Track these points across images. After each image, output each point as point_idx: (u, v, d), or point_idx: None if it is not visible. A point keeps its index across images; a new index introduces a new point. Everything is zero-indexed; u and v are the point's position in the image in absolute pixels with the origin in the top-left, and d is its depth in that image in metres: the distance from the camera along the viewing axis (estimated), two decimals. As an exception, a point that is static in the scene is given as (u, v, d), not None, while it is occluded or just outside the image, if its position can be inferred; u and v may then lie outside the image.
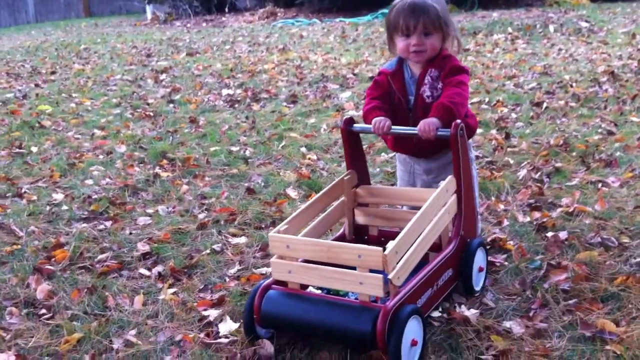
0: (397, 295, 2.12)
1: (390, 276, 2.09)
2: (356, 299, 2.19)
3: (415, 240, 2.24)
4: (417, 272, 2.27)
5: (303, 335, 2.28)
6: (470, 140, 2.74)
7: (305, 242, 2.23)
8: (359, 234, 2.76)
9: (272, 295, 2.26)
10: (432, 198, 2.36)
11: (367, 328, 2.05)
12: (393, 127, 2.52)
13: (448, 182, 2.46)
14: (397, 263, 2.12)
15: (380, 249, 2.08)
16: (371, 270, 2.10)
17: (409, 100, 2.64)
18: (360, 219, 2.75)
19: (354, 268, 2.13)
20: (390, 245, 2.12)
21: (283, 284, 2.29)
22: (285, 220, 2.39)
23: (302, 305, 2.21)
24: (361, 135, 2.75)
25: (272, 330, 2.30)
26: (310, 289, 2.35)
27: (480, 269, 2.58)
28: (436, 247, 2.49)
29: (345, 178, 2.68)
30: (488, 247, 2.94)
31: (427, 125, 2.43)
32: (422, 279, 2.26)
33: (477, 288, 2.56)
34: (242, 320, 2.36)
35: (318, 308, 2.17)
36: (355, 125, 2.65)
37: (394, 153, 3.04)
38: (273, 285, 2.30)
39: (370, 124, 2.56)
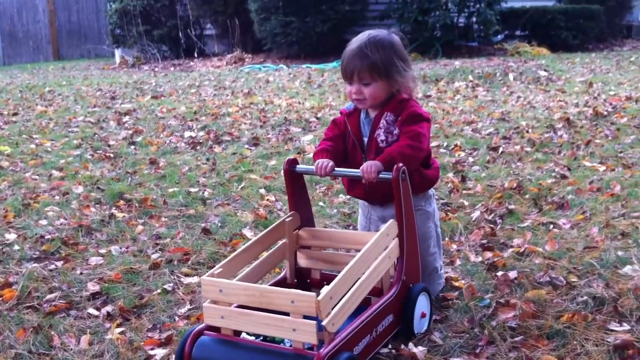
0: (332, 342, 2.07)
1: (324, 323, 2.04)
2: (291, 346, 2.14)
3: (352, 285, 2.20)
4: (356, 318, 2.23)
5: None
6: (432, 191, 2.77)
7: (237, 287, 2.18)
8: (301, 277, 2.72)
9: (203, 342, 2.20)
10: (371, 242, 2.33)
11: None
12: (337, 168, 2.51)
13: (389, 226, 2.44)
14: (333, 308, 2.08)
15: (314, 294, 2.04)
16: (308, 317, 2.05)
17: (363, 142, 2.61)
18: (302, 261, 2.70)
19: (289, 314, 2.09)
20: (325, 290, 2.08)
21: (216, 329, 2.24)
22: (221, 263, 2.35)
23: (234, 353, 2.15)
24: (315, 177, 2.77)
25: None
26: (245, 335, 2.30)
27: (423, 315, 2.54)
28: (378, 292, 2.46)
29: (287, 220, 2.64)
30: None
31: (369, 166, 2.41)
32: (360, 325, 2.21)
33: (418, 332, 2.52)
34: None
35: (249, 355, 2.11)
36: (298, 166, 2.64)
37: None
38: (205, 331, 2.23)
39: None
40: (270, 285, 2.60)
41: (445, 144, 5.66)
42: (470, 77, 9.37)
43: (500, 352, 2.38)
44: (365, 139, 2.61)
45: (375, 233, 2.45)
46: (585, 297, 2.74)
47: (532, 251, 3.27)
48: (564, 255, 3.22)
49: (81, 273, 3.32)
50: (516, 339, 2.45)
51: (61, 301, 3.00)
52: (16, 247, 3.68)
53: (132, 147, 6.18)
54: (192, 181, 4.91)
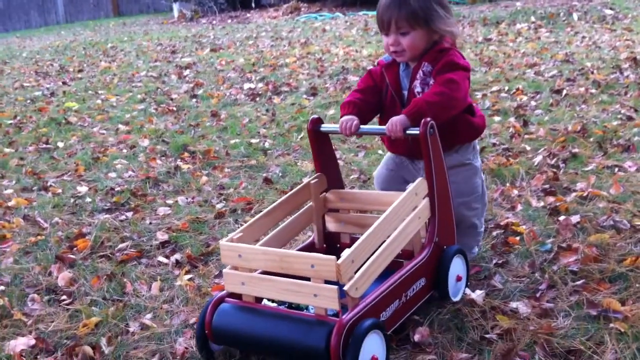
0: (356, 308, 1.96)
1: (346, 287, 1.93)
2: (314, 312, 2.04)
3: (377, 248, 2.08)
4: (384, 282, 2.11)
5: (256, 352, 2.15)
6: (477, 146, 2.62)
7: (257, 251, 2.07)
8: (331, 242, 2.59)
9: (224, 309, 2.11)
10: (397, 202, 2.19)
11: (321, 344, 1.89)
12: (362, 126, 2.37)
13: (417, 185, 2.28)
14: (356, 273, 1.97)
15: (333, 258, 1.92)
16: (332, 282, 1.94)
17: (402, 95, 2.46)
18: (331, 225, 2.58)
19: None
20: (345, 253, 1.95)
21: (238, 296, 2.14)
22: (241, 228, 2.24)
23: (255, 320, 2.06)
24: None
25: (224, 346, 2.16)
26: (266, 301, 2.20)
27: (459, 278, 2.39)
28: (410, 256, 2.34)
29: (312, 182, 2.50)
30: (501, 231, 2.96)
31: (394, 124, 2.25)
32: (388, 290, 2.09)
33: (455, 299, 2.39)
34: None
35: (271, 323, 2.02)
36: (323, 125, 2.48)
37: None
38: (227, 298, 2.14)
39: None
40: (298, 250, 2.49)
41: (506, 88, 5.56)
42: (533, 18, 9.09)
43: (561, 295, 2.39)
44: (405, 92, 2.45)
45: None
46: (650, 241, 2.70)
47: (596, 195, 3.22)
48: (628, 198, 3.16)
49: (150, 223, 3.45)
50: (577, 282, 2.44)
51: (132, 250, 3.14)
52: (88, 199, 3.84)
53: (194, 100, 6.30)
54: (253, 132, 4.99)
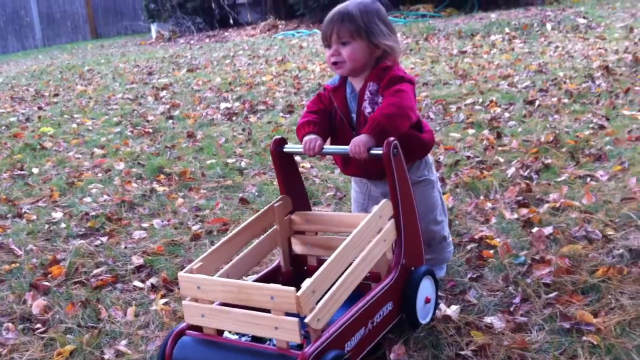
0: (319, 340, 1.89)
1: (307, 320, 1.87)
2: (275, 345, 1.97)
3: (340, 276, 2.01)
4: (348, 309, 2.05)
5: None
6: (431, 159, 2.59)
7: (215, 283, 2.00)
8: (299, 265, 2.53)
9: (184, 342, 2.06)
10: (360, 226, 2.12)
11: None
12: (326, 146, 2.35)
13: (381, 207, 2.22)
14: (317, 303, 1.91)
15: (293, 289, 1.85)
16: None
17: (351, 118, 2.42)
18: (297, 248, 2.52)
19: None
20: (306, 284, 1.89)
21: (199, 328, 2.08)
22: (201, 257, 2.18)
23: (215, 354, 2.00)
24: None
25: None
26: (227, 334, 2.15)
27: (427, 300, 2.34)
28: (378, 278, 2.28)
29: (276, 205, 2.45)
30: (475, 244, 2.97)
31: (357, 145, 2.20)
32: (352, 318, 2.03)
33: (424, 322, 2.34)
34: None
35: (231, 356, 1.96)
36: (286, 146, 2.43)
37: None
38: (187, 331, 2.08)
39: (301, 140, 2.38)
40: (263, 275, 2.45)
41: (480, 100, 5.60)
42: (507, 30, 9.20)
43: (534, 308, 2.40)
44: (354, 115, 2.42)
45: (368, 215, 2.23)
46: (621, 250, 2.72)
47: (569, 205, 3.25)
48: (600, 208, 3.19)
49: (125, 247, 3.43)
50: (550, 295, 2.46)
51: (107, 275, 3.12)
52: (63, 225, 3.81)
53: (170, 121, 6.29)
54: (229, 152, 4.99)
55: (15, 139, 6.18)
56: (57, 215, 4.00)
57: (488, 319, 2.35)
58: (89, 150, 5.51)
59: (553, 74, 6.24)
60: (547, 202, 3.35)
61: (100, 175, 4.75)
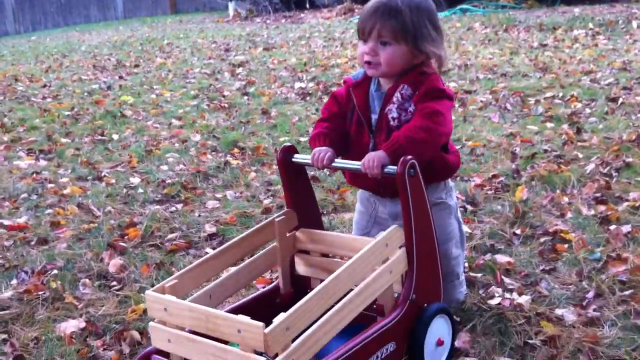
0: None
1: None
2: None
3: (326, 311, 1.74)
4: (337, 349, 1.78)
5: None
6: (452, 184, 2.31)
7: (182, 307, 1.75)
8: (302, 286, 2.24)
9: None
10: (358, 255, 1.86)
11: None
12: (337, 160, 2.09)
13: (389, 234, 1.95)
14: (294, 341, 1.64)
15: (261, 325, 1.57)
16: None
17: (371, 119, 2.14)
18: (300, 268, 2.25)
19: None
20: (279, 319, 1.60)
21: (166, 353, 1.84)
22: (178, 273, 1.96)
23: None
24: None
25: None
26: None
27: (440, 342, 2.05)
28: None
29: (277, 219, 2.18)
30: (549, 238, 2.93)
31: (372, 160, 1.95)
32: (341, 357, 1.75)
33: None
34: None
35: None
36: (295, 155, 2.18)
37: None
38: (154, 355, 1.86)
39: None
40: (259, 295, 2.22)
41: (560, 94, 5.47)
42: (591, 25, 8.92)
43: (608, 304, 2.35)
44: (374, 117, 2.13)
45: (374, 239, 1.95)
46: (703, 254, 2.63)
47: (649, 205, 3.16)
48: (683, 210, 3.09)
49: (199, 215, 3.52)
50: (625, 292, 2.40)
51: (181, 240, 3.21)
52: (140, 190, 3.94)
53: (245, 97, 6.38)
54: (302, 130, 5.03)
55: (97, 106, 6.39)
56: (135, 180, 4.13)
57: (559, 311, 2.32)
58: (167, 121, 5.65)
59: (638, 72, 6.03)
60: (627, 200, 3.26)
61: (177, 145, 4.87)
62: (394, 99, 2.08)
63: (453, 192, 2.29)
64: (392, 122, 2.07)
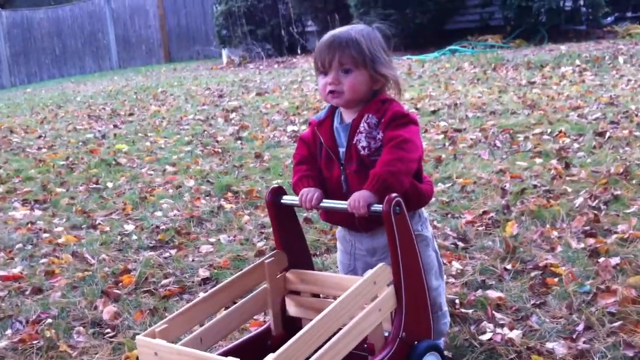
0: None
1: None
2: None
3: (316, 351, 1.75)
4: None
5: None
6: (426, 214, 2.33)
7: (172, 351, 1.77)
8: (293, 328, 2.21)
9: None
10: (344, 295, 1.86)
11: None
12: (325, 200, 2.11)
13: (376, 272, 1.97)
14: None
15: None
16: None
17: (339, 153, 2.17)
18: (291, 309, 2.26)
19: None
20: None
21: None
22: (168, 317, 1.97)
23: None
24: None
25: None
26: None
27: None
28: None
29: (267, 261, 2.20)
30: (539, 272, 2.95)
31: (358, 200, 1.99)
32: None
33: None
34: None
35: None
36: (284, 197, 2.21)
37: None
38: None
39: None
40: (251, 337, 2.21)
41: (549, 130, 5.55)
42: (577, 62, 9.07)
43: (598, 337, 2.37)
44: (342, 150, 2.16)
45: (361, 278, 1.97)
46: (691, 283, 2.66)
47: (637, 237, 3.19)
48: (671, 241, 3.13)
49: (193, 260, 3.54)
50: (615, 324, 2.43)
51: (175, 286, 3.23)
52: (134, 237, 3.96)
53: (239, 142, 6.45)
54: (295, 173, 5.08)
55: (92, 155, 6.45)
56: (129, 227, 4.16)
57: (550, 345, 2.34)
58: (161, 167, 5.71)
59: (625, 107, 6.12)
60: (616, 232, 3.30)
61: (171, 191, 4.92)
62: (361, 129, 2.12)
63: (427, 223, 2.31)
64: (362, 152, 2.11)
